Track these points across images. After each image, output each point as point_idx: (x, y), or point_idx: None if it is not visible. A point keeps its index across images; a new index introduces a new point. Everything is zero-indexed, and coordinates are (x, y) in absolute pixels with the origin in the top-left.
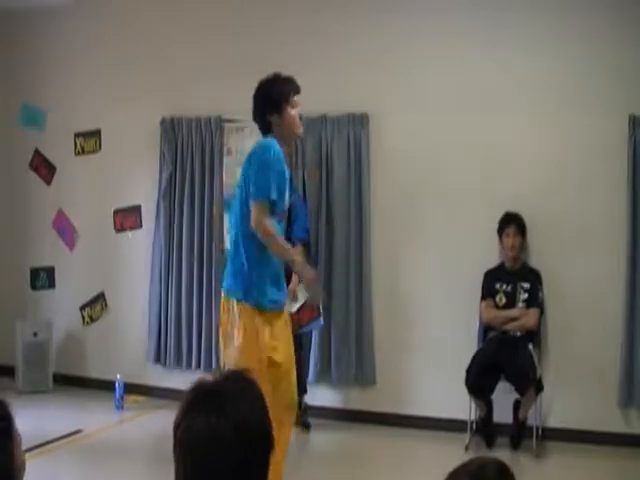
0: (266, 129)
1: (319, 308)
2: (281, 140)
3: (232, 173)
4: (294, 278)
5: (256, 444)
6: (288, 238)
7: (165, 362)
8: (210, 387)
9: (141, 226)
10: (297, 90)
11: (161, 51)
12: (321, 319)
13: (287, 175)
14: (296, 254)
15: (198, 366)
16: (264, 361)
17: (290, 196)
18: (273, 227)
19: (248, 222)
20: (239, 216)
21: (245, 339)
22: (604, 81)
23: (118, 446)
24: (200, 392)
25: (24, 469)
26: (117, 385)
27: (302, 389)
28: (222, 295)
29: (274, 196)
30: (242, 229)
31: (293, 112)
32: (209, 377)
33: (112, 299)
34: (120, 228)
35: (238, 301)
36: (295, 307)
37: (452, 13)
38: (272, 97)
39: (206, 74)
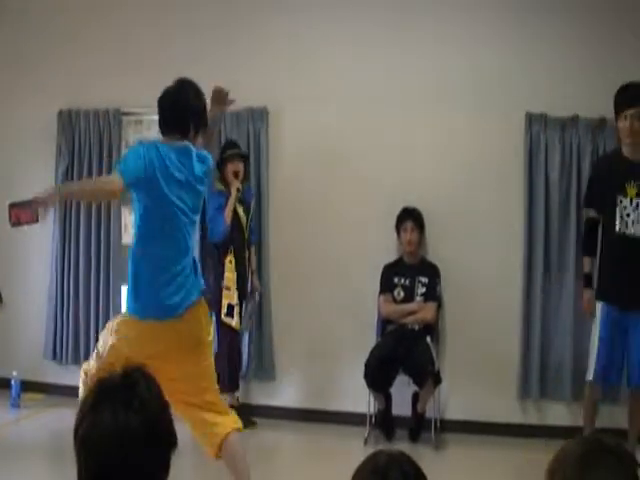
0: (183, 136)
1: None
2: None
3: None
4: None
5: (163, 440)
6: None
7: (62, 359)
8: (115, 383)
9: (38, 220)
10: None
11: (59, 43)
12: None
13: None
14: None
15: None
16: None
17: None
18: None
19: None
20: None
21: None
22: (502, 81)
23: (15, 445)
24: (105, 388)
25: None
26: (13, 383)
27: None
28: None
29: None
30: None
31: None
32: (110, 374)
33: (8, 295)
34: (16, 222)
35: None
36: None
37: (355, 10)
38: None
39: (104, 67)
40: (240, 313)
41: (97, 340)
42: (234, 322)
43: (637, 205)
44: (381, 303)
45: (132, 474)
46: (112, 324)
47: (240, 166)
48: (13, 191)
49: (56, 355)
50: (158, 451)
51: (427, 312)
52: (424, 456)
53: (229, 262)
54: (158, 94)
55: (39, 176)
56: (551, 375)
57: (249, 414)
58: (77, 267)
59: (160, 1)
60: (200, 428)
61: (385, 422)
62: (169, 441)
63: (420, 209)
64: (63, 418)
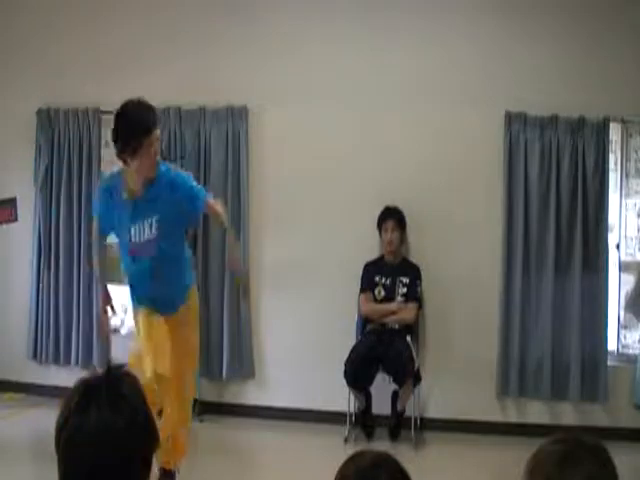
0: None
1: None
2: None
3: (109, 165)
4: None
5: (146, 438)
6: None
7: (43, 358)
8: (99, 383)
9: (17, 219)
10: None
11: (37, 41)
12: None
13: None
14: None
15: (77, 362)
16: None
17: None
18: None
19: None
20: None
21: None
22: (482, 80)
23: None
24: (89, 389)
25: None
26: None
27: None
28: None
29: None
30: None
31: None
32: (93, 373)
33: None
34: None
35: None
36: None
37: (337, 8)
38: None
39: (83, 65)
40: None
41: (79, 340)
42: None
43: None
44: (361, 301)
45: (116, 473)
46: None
47: None
48: None
49: (37, 354)
50: (141, 450)
51: (407, 313)
52: (404, 454)
53: None
54: (137, 93)
55: (18, 175)
56: (530, 374)
57: (228, 413)
58: (58, 267)
59: (138, 0)
60: None
61: (365, 421)
62: (152, 439)
63: (403, 209)
64: (42, 418)
